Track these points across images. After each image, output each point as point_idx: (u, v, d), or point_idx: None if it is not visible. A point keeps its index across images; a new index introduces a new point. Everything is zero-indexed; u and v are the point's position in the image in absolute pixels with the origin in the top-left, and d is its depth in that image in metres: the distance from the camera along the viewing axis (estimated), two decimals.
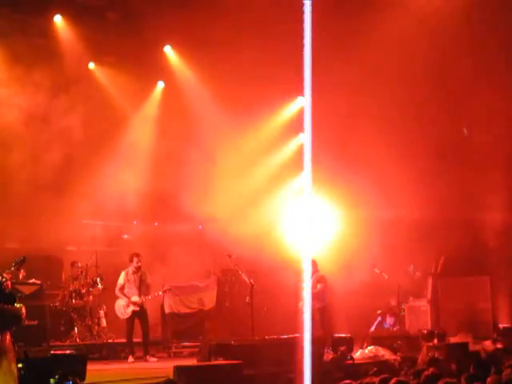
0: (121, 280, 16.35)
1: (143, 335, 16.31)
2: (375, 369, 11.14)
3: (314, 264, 16.94)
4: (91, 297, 18.19)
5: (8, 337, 8.94)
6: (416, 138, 19.41)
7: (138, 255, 16.40)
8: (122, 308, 16.22)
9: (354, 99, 18.91)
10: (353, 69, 18.49)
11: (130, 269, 16.31)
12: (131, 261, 16.31)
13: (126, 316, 16.20)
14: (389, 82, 18.45)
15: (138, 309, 16.13)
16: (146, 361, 15.96)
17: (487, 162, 18.94)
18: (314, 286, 16.77)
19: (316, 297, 16.62)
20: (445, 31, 17.44)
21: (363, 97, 18.94)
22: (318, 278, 16.89)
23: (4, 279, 9.41)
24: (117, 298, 16.52)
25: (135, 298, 16.10)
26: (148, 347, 16.35)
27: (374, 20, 17.68)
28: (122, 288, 16.32)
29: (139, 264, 16.28)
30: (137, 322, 16.45)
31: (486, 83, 18.01)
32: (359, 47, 18.15)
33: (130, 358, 16.08)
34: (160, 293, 17.48)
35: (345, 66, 18.22)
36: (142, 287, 16.28)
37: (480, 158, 19.11)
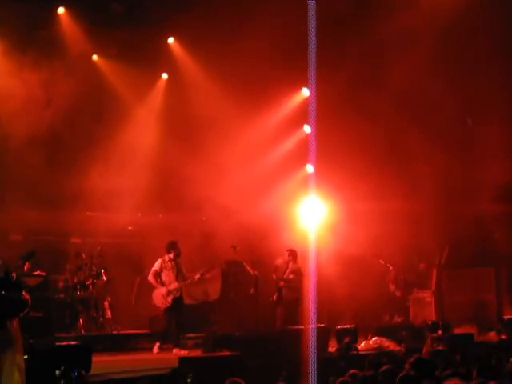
0: (156, 267, 16.07)
1: (177, 325, 15.93)
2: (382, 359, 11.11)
3: (293, 254, 16.99)
4: (96, 288, 18.18)
5: (15, 326, 8.98)
6: (420, 129, 19.39)
7: (176, 243, 16.19)
8: (162, 297, 15.90)
9: (356, 91, 18.90)
10: (355, 60, 18.52)
11: (167, 256, 16.06)
12: (169, 248, 16.08)
13: (167, 304, 15.88)
14: (390, 73, 18.47)
15: (178, 294, 15.88)
16: (173, 352, 15.50)
17: (492, 152, 18.91)
18: (287, 277, 16.87)
19: (289, 288, 16.69)
20: (448, 21, 17.41)
21: (366, 89, 18.94)
22: (293, 269, 16.88)
23: (6, 269, 9.46)
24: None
25: (174, 285, 15.86)
26: (179, 338, 16.00)
27: (377, 13, 17.68)
28: (157, 275, 16.01)
29: (178, 251, 16.06)
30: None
31: (490, 73, 18.03)
32: (363, 39, 18.17)
33: (156, 349, 15.91)
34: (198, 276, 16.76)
35: (348, 56, 18.24)
36: (179, 276, 16.03)
37: (485, 147, 19.08)
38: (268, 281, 17.14)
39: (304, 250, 15.91)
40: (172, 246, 16.07)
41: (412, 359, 8.36)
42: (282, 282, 16.89)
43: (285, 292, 16.81)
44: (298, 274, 16.77)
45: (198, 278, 16.66)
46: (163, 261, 16.05)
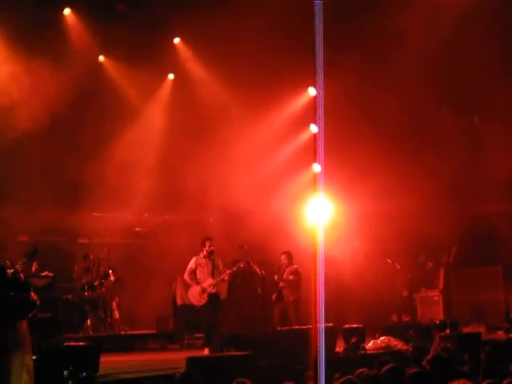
0: (191, 265, 15.55)
1: (212, 323, 15.41)
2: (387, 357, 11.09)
3: (290, 256, 16.97)
4: (103, 289, 18.20)
5: (24, 327, 9.01)
6: (427, 128, 19.38)
7: (210, 239, 15.61)
8: (198, 294, 15.35)
9: (363, 90, 18.88)
10: (363, 60, 18.51)
11: (201, 253, 15.52)
12: (203, 245, 15.50)
13: (203, 301, 15.31)
14: (396, 72, 18.47)
15: (214, 290, 15.36)
16: (204, 351, 15.12)
17: (501, 151, 18.88)
18: (286, 278, 16.82)
19: (289, 288, 16.65)
20: (455, 17, 17.40)
21: (373, 88, 18.92)
22: (292, 270, 16.84)
23: (15, 270, 9.50)
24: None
25: (209, 282, 15.30)
26: (212, 338, 15.32)
27: (387, 12, 17.67)
28: (192, 273, 15.50)
29: (212, 248, 15.45)
30: None
31: (497, 71, 18.01)
32: (370, 38, 18.16)
33: (206, 351, 15.19)
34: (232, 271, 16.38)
35: (355, 56, 18.22)
36: (215, 272, 15.48)
37: (493, 146, 19.04)
38: (275, 281, 17.14)
39: (311, 250, 15.87)
40: (203, 243, 15.58)
41: (429, 356, 8.35)
42: (282, 283, 16.85)
43: (285, 293, 16.77)
44: (297, 274, 16.77)
45: (238, 267, 16.22)
46: (198, 258, 15.57)
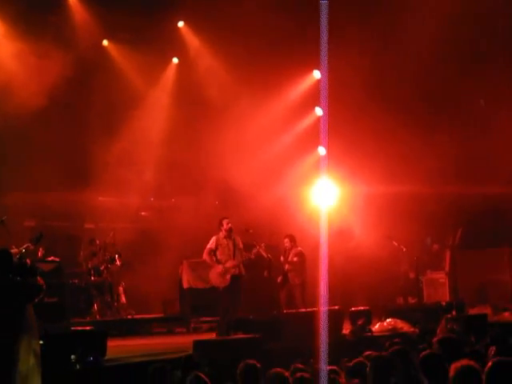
0: (210, 244, 14.93)
1: (233, 308, 14.87)
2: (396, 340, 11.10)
3: (293, 239, 16.86)
4: (110, 273, 18.24)
5: (31, 312, 9.05)
6: (434, 110, 19.33)
7: (226, 218, 15.12)
8: (219, 276, 14.78)
9: (369, 75, 18.83)
10: (371, 40, 18.47)
11: (221, 233, 14.95)
12: (221, 225, 14.96)
13: (226, 283, 14.71)
14: (403, 55, 18.41)
15: (237, 271, 14.81)
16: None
17: (507, 133, 18.82)
18: (291, 260, 16.72)
19: (294, 271, 16.60)
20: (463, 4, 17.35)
21: (378, 73, 18.88)
22: (296, 253, 16.71)
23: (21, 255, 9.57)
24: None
25: (231, 262, 14.77)
26: (233, 323, 14.76)
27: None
28: (212, 253, 14.89)
29: (229, 225, 14.89)
30: None
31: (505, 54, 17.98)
32: (376, 21, 18.12)
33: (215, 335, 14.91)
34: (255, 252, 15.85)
35: (363, 35, 18.18)
36: (236, 252, 14.94)
37: (498, 129, 18.98)
38: (281, 262, 17.14)
39: (316, 233, 15.87)
40: (221, 222, 15.07)
41: (438, 338, 8.34)
42: (287, 266, 16.72)
43: (291, 276, 16.67)
44: (301, 256, 16.70)
45: (255, 254, 15.73)
46: (218, 238, 14.96)
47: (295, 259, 16.61)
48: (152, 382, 8.19)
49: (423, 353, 7.43)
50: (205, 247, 14.95)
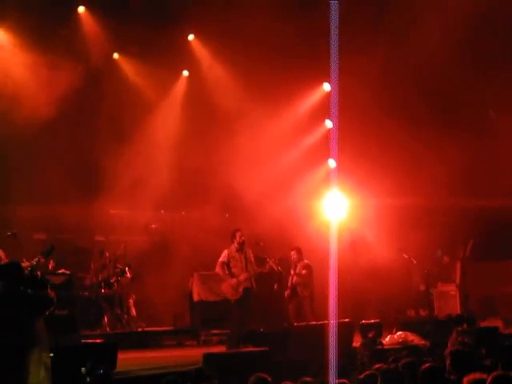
0: (222, 258, 14.92)
1: (244, 321, 14.94)
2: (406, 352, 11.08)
3: (300, 252, 16.81)
4: (120, 286, 18.25)
5: (41, 324, 9.06)
6: (444, 123, 19.31)
7: (239, 230, 15.07)
8: (232, 288, 14.82)
9: (378, 87, 18.84)
10: (379, 53, 18.47)
11: (233, 246, 14.95)
12: (234, 237, 14.94)
13: (238, 296, 14.76)
14: (413, 65, 18.43)
15: (249, 285, 14.83)
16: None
17: None
18: (300, 272, 16.67)
19: (303, 284, 16.55)
20: (474, 9, 17.33)
21: (388, 85, 18.89)
22: (304, 265, 16.64)
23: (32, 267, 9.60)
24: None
25: (244, 275, 14.76)
26: (243, 336, 14.78)
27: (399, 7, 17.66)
28: (224, 265, 14.89)
29: (243, 238, 14.89)
30: None
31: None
32: (385, 32, 18.14)
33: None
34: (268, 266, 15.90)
35: (371, 50, 18.19)
36: (248, 265, 14.94)
37: (509, 140, 18.96)
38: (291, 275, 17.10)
39: (326, 245, 15.85)
40: (234, 234, 15.05)
41: (449, 351, 8.34)
42: (295, 278, 16.64)
43: (300, 289, 16.62)
44: (309, 268, 16.67)
45: (268, 268, 15.81)
46: (230, 251, 14.96)
47: (303, 272, 16.58)
48: None
49: (423, 366, 7.44)
50: (215, 260, 14.96)
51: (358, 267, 19.41)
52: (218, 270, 15.07)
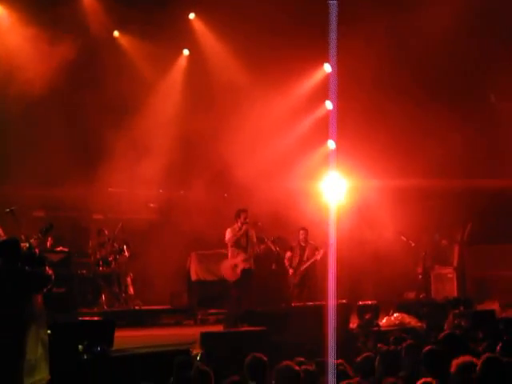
0: (231, 236, 14.92)
1: (242, 302, 14.91)
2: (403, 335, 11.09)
3: (307, 232, 16.72)
4: (118, 264, 18.24)
5: (39, 302, 9.08)
6: (443, 104, 19.26)
7: (245, 211, 15.03)
8: (230, 269, 14.89)
9: (379, 69, 18.78)
10: (379, 36, 18.39)
11: (236, 225, 14.95)
12: (238, 217, 14.93)
13: (236, 277, 14.81)
14: (412, 48, 18.37)
15: (248, 266, 14.87)
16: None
17: None
18: (311, 256, 16.58)
19: (314, 268, 16.54)
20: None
21: (388, 67, 18.82)
22: (314, 249, 16.59)
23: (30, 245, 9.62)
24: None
25: (242, 256, 14.80)
26: (240, 315, 14.62)
27: None
28: (234, 242, 14.92)
29: (247, 220, 14.92)
30: None
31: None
32: (387, 13, 18.07)
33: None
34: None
35: (374, 27, 18.12)
36: (249, 246, 14.98)
37: (509, 123, 18.93)
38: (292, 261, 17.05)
39: (325, 227, 15.85)
40: (238, 214, 15.02)
41: (442, 335, 8.36)
42: (307, 264, 16.56)
43: (312, 273, 16.59)
44: (318, 250, 16.61)
45: (264, 249, 15.96)
46: (233, 230, 15.00)
47: (318, 257, 16.44)
48: (177, 373, 8.25)
49: (426, 348, 7.46)
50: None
51: (358, 248, 19.32)
52: (229, 246, 15.01)
